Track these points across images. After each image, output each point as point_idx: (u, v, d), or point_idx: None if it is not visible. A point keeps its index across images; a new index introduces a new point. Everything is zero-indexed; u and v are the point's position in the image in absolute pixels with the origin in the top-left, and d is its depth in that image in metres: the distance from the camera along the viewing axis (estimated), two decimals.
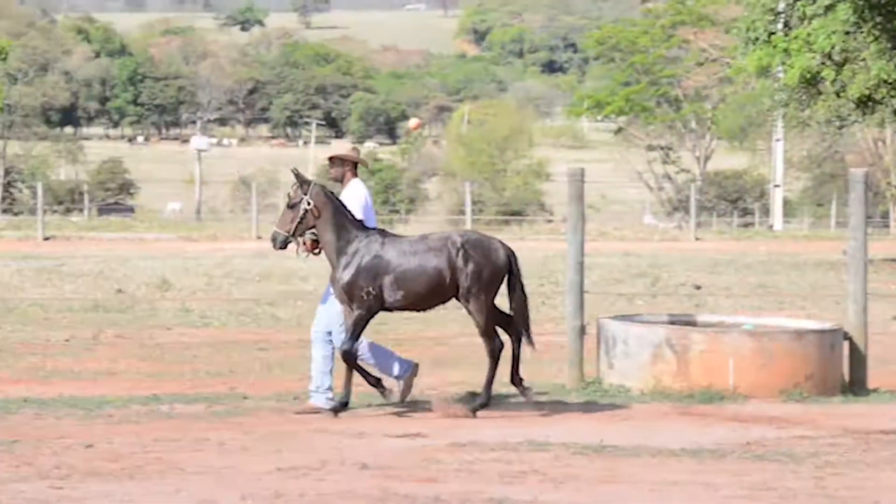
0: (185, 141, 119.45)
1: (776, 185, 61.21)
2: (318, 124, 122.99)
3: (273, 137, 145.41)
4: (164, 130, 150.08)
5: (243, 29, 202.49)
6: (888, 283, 24.98)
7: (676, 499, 7.85)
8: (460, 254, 10.60)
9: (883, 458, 9.06)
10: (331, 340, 11.06)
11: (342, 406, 10.84)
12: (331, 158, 11.33)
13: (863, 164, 72.56)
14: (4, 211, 71.79)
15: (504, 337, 10.94)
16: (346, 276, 10.67)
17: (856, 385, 12.33)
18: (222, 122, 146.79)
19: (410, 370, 11.14)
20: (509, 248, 10.92)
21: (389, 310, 10.89)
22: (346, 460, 8.85)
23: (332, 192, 10.94)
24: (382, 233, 10.90)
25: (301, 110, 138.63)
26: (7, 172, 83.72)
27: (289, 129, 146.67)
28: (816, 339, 12.21)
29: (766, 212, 68.38)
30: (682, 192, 70.61)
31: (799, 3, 33.67)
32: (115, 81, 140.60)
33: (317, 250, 10.97)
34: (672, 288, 23.02)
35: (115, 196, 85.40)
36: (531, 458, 8.96)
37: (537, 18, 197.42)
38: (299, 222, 10.80)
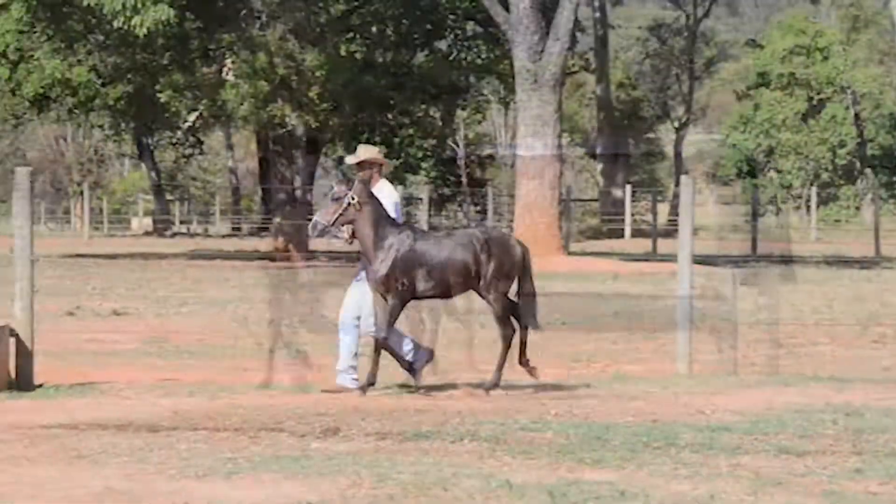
0: None
1: None
2: None
3: None
4: None
5: None
6: (62, 278, 25.99)
7: None
8: (484, 249, 12.06)
9: (43, 453, 9.04)
10: (358, 326, 12.17)
11: (369, 385, 11.91)
12: (360, 163, 12.45)
13: (46, 161, 73.52)
14: None
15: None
16: (383, 268, 11.88)
17: (22, 380, 12.41)
18: None
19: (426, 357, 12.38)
20: (524, 245, 12.43)
21: (420, 298, 12.17)
22: None
23: (372, 192, 12.12)
24: (413, 228, 12.48)
25: None
26: None
27: None
28: None
29: None
30: None
31: None
32: None
33: (351, 241, 12.11)
34: None
35: None
36: None
37: None
38: (341, 214, 11.96)
